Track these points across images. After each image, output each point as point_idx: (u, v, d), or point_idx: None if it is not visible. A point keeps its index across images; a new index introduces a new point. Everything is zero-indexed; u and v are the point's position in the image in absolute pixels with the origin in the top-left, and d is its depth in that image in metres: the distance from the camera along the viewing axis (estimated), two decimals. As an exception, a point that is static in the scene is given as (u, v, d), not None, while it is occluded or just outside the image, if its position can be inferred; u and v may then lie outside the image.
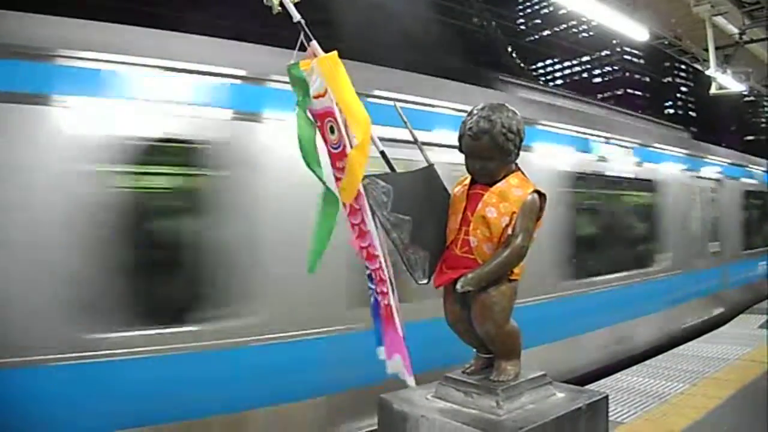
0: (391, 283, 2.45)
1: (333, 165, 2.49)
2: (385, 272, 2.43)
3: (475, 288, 2.25)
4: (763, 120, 76.58)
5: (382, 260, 2.43)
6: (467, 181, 2.43)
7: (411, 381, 2.52)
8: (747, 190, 11.84)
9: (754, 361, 6.07)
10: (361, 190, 2.32)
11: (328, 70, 2.35)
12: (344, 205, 2.45)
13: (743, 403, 4.82)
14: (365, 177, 2.31)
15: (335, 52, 2.39)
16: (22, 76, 3.47)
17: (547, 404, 2.36)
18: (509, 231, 2.25)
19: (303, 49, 2.52)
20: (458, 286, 2.25)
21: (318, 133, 2.52)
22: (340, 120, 2.37)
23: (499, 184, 2.33)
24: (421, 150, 2.62)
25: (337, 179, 2.46)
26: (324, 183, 2.55)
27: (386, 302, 2.47)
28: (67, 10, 4.01)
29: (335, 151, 2.44)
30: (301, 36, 2.50)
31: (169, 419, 3.67)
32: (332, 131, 2.43)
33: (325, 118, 2.44)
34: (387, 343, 2.55)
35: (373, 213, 2.36)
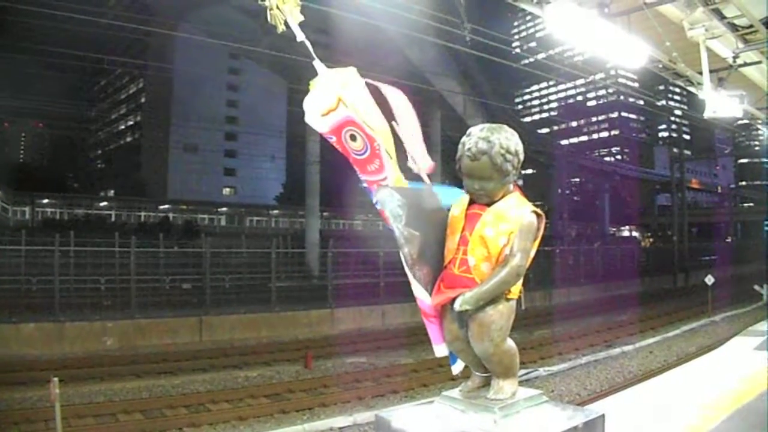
0: (420, 282, 2.40)
1: (363, 171, 2.44)
2: (408, 276, 2.40)
3: (473, 307, 2.27)
4: (756, 143, 77.12)
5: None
6: (465, 201, 2.46)
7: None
8: None
9: (751, 383, 6.06)
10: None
11: (342, 83, 2.35)
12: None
13: (740, 425, 4.80)
14: (383, 188, 2.32)
15: (352, 68, 2.40)
16: None
17: (543, 422, 2.37)
18: (507, 250, 2.28)
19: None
20: (456, 305, 2.27)
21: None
22: (359, 122, 2.34)
23: (497, 204, 2.36)
24: (420, 170, 2.64)
25: (372, 182, 2.42)
26: None
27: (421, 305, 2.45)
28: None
29: (362, 157, 2.40)
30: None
31: None
32: (354, 139, 2.39)
33: (342, 129, 2.39)
34: (433, 337, 2.53)
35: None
